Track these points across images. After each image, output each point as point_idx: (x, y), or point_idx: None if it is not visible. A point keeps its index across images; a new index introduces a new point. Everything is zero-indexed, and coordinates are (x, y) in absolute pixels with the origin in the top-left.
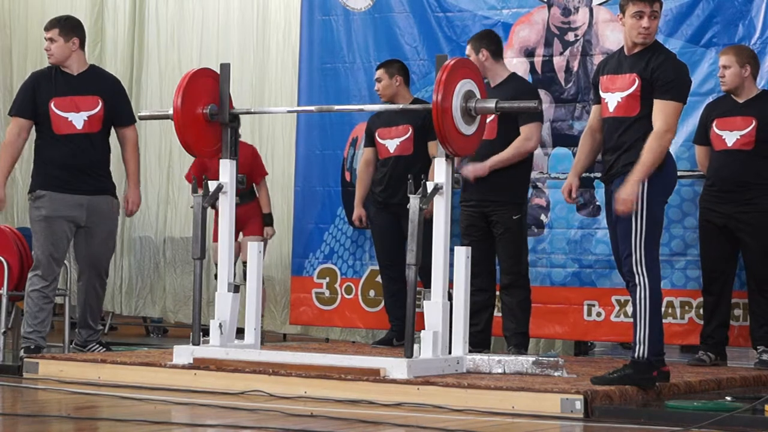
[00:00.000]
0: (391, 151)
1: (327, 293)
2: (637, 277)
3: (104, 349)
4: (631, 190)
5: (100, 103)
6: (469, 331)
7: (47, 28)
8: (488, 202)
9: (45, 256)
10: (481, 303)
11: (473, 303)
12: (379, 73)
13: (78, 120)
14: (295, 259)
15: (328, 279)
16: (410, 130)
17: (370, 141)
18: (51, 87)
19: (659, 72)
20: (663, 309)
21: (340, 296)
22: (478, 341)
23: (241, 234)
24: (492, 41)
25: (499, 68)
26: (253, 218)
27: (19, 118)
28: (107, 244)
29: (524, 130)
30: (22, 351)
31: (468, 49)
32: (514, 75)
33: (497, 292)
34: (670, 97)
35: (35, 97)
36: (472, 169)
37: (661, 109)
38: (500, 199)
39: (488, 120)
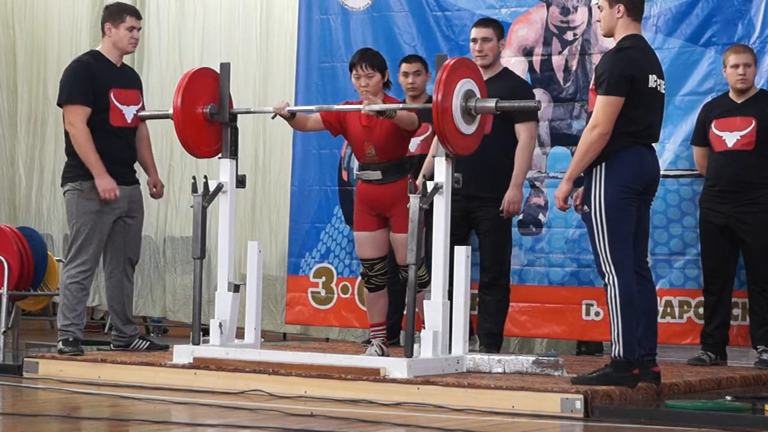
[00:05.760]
0: None
1: (323, 293)
2: (606, 276)
3: (147, 343)
4: (563, 188)
5: (141, 99)
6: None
7: (139, 17)
8: (472, 198)
9: (94, 247)
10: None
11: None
12: (418, 66)
13: (129, 113)
14: (291, 259)
15: (324, 278)
16: None
17: None
18: (108, 77)
19: (597, 66)
20: (661, 308)
21: (336, 295)
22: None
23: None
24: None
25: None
26: (402, 205)
27: (83, 106)
28: (140, 234)
29: (524, 129)
30: (61, 344)
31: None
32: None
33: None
34: (600, 92)
35: (94, 85)
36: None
37: (595, 103)
38: (486, 196)
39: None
